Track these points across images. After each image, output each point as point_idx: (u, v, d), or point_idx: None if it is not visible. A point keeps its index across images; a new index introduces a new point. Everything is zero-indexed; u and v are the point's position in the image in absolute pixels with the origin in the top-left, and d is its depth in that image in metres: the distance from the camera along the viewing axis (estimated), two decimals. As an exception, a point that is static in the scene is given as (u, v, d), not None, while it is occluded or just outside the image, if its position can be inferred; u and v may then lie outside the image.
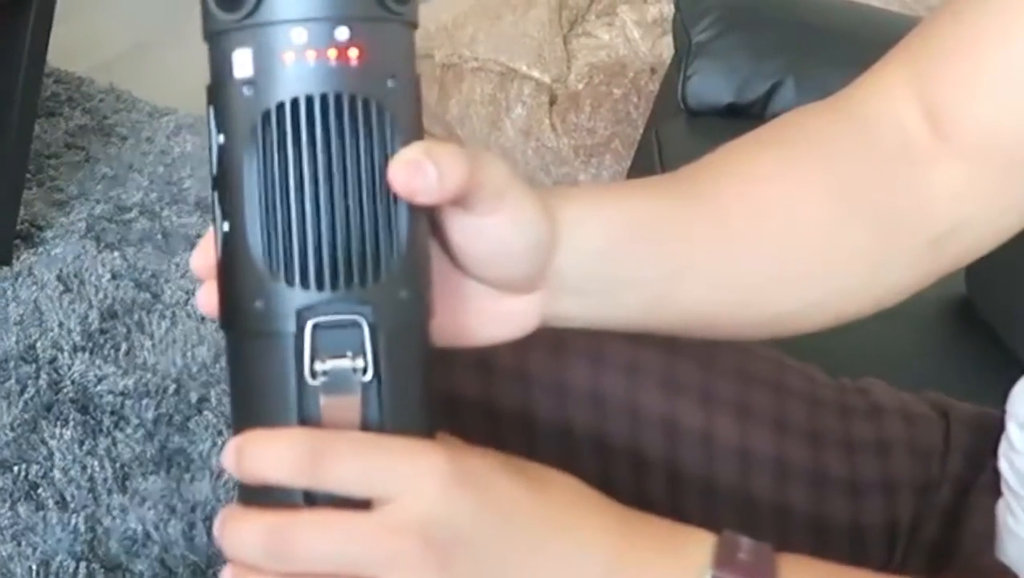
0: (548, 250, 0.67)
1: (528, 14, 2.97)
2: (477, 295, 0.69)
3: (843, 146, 0.79)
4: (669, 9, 2.60)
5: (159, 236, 2.58)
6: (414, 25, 0.60)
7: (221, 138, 0.58)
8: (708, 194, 0.76)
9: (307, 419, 0.58)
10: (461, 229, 0.64)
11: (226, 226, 0.58)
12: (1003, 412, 0.92)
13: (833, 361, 1.03)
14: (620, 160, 2.73)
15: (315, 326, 0.57)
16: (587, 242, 0.69)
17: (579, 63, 2.89)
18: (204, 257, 0.62)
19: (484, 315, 0.69)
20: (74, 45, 3.29)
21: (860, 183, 0.78)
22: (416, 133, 0.60)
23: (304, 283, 0.57)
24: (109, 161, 2.82)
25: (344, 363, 0.57)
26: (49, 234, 2.48)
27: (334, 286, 0.57)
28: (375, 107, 0.57)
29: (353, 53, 0.57)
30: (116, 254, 2.46)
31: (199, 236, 2.45)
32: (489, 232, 0.64)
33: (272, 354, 0.58)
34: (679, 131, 2.01)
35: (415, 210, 0.59)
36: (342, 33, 0.56)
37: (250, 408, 0.60)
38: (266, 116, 0.57)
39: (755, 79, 1.97)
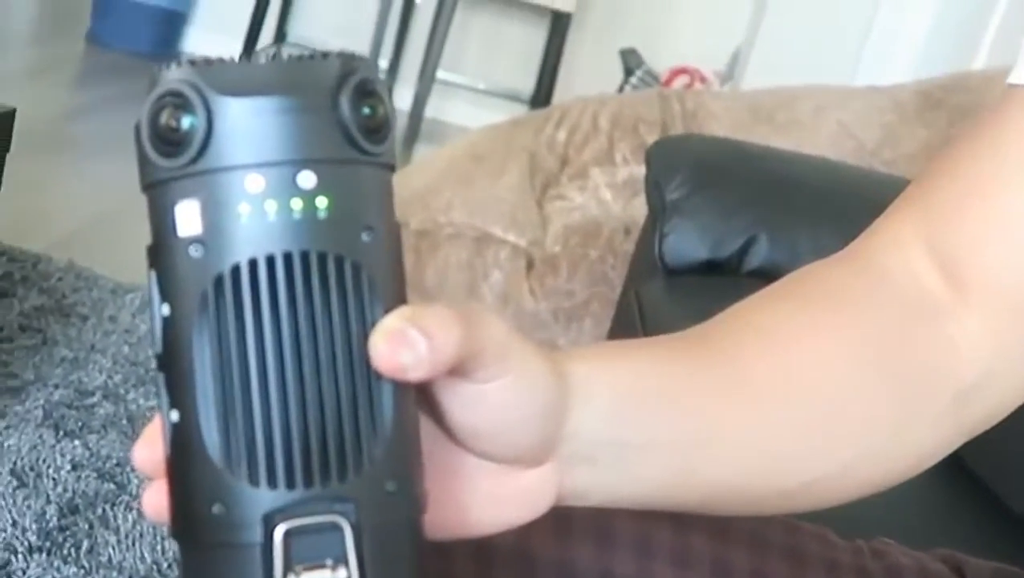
0: (559, 414, 0.60)
1: (501, 179, 3.00)
2: (479, 474, 0.60)
3: (861, 301, 0.78)
4: (639, 170, 2.64)
5: (124, 421, 2.51)
6: (391, 167, 0.54)
7: (166, 309, 0.51)
8: (728, 354, 0.73)
9: None
10: (458, 399, 0.56)
11: (175, 415, 0.52)
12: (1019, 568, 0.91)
13: (823, 520, 1.00)
14: (600, 322, 2.73)
15: (287, 533, 0.50)
16: (598, 403, 0.63)
17: (554, 226, 2.91)
18: (149, 450, 0.55)
19: (489, 497, 0.61)
20: (29, 221, 3.30)
21: (881, 339, 0.77)
22: (398, 294, 0.53)
23: (271, 482, 0.50)
24: (69, 343, 2.77)
25: (323, 574, 0.50)
26: (1, 425, 2.39)
27: (307, 483, 0.50)
28: (349, 266, 0.50)
29: (321, 203, 0.50)
30: (77, 443, 2.38)
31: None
32: (492, 400, 0.56)
33: (236, 568, 0.51)
34: (658, 290, 2.02)
35: (401, 384, 0.52)
36: (307, 180, 0.50)
37: None
38: (218, 282, 0.50)
39: (729, 235, 2.00)
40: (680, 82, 5.97)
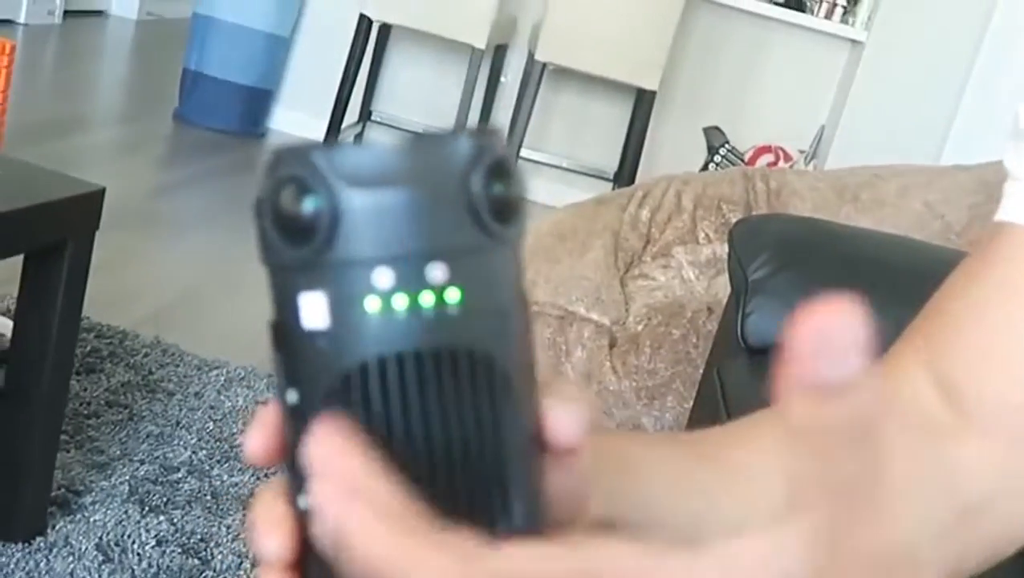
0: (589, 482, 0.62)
1: (585, 257, 3.01)
2: None
3: None
4: (722, 249, 2.65)
5: (208, 497, 2.54)
6: (520, 241, 0.50)
7: (293, 396, 0.49)
8: (731, 458, 0.76)
9: None
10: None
11: (304, 503, 0.50)
12: None
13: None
14: (682, 401, 2.73)
15: None
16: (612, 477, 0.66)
17: (637, 304, 2.92)
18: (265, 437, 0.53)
19: None
20: (116, 298, 3.36)
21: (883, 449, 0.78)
22: (530, 377, 0.50)
23: None
24: (154, 418, 2.81)
25: None
26: (88, 499, 2.42)
27: None
28: (481, 361, 0.48)
29: (452, 296, 0.47)
30: (162, 518, 2.42)
31: (251, 496, 2.41)
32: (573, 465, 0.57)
33: None
34: (740, 369, 2.03)
35: (532, 477, 0.50)
36: (438, 272, 0.47)
37: None
38: (346, 380, 0.47)
39: (812, 315, 1.96)
40: (764, 160, 5.98)
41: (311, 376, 0.48)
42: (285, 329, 0.49)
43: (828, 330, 0.44)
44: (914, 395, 0.81)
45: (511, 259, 0.50)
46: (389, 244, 0.47)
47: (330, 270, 0.47)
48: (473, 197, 0.47)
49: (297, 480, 0.50)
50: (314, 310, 0.47)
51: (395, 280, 0.47)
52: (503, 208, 0.48)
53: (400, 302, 0.47)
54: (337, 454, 0.48)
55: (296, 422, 0.49)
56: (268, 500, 0.52)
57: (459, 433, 0.48)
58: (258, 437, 0.52)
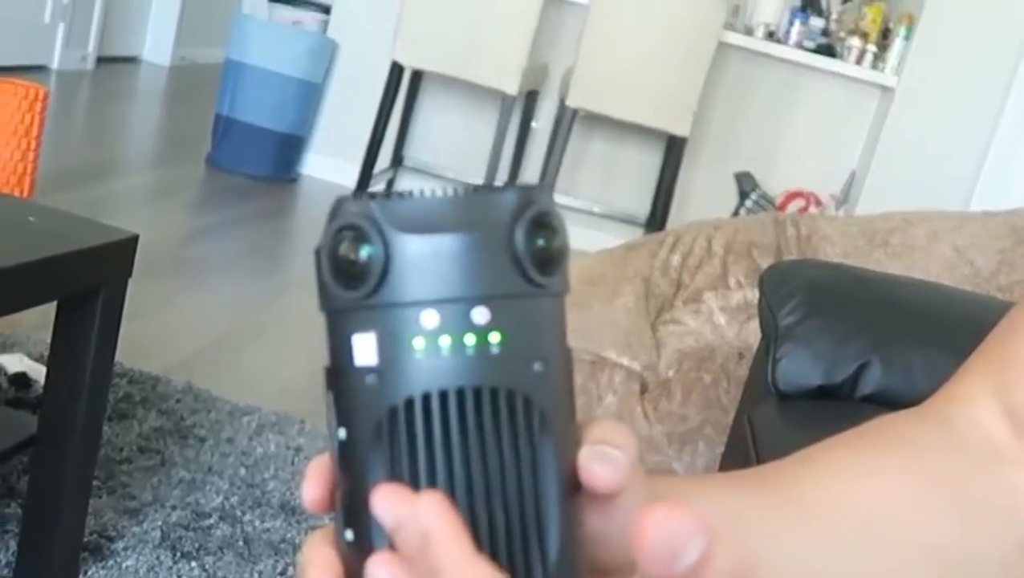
0: None
1: (615, 302, 3.01)
2: None
3: (924, 445, 0.80)
4: (753, 294, 2.65)
5: (240, 543, 2.53)
6: (564, 293, 0.53)
7: (343, 433, 0.52)
8: (785, 483, 0.76)
9: None
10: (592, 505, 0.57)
11: (350, 535, 0.53)
12: None
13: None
14: (713, 446, 2.73)
15: None
16: None
17: (668, 350, 2.92)
18: (318, 487, 0.56)
19: None
20: (149, 343, 3.37)
21: (941, 479, 0.78)
22: (568, 421, 0.53)
23: None
24: (186, 464, 2.82)
25: None
26: (120, 545, 2.42)
27: None
28: (520, 401, 0.51)
29: (494, 338, 0.50)
30: (194, 564, 2.41)
31: (283, 542, 2.42)
32: (620, 503, 0.57)
33: None
34: (771, 415, 2.03)
35: (569, 516, 0.53)
36: (481, 315, 0.50)
37: None
38: (393, 413, 0.50)
39: (843, 360, 2.00)
40: (795, 205, 5.98)
41: (360, 411, 0.51)
42: (338, 370, 0.52)
43: (666, 534, 0.50)
44: (975, 421, 0.81)
45: (553, 307, 0.53)
46: (437, 288, 0.50)
47: (382, 311, 0.50)
48: (516, 248, 0.51)
49: (345, 516, 0.53)
50: (365, 349, 0.51)
51: (441, 322, 0.50)
52: (545, 260, 0.52)
53: (445, 342, 0.50)
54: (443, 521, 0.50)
55: (345, 459, 0.52)
56: (317, 544, 0.55)
57: (497, 467, 0.51)
58: (314, 487, 0.55)
